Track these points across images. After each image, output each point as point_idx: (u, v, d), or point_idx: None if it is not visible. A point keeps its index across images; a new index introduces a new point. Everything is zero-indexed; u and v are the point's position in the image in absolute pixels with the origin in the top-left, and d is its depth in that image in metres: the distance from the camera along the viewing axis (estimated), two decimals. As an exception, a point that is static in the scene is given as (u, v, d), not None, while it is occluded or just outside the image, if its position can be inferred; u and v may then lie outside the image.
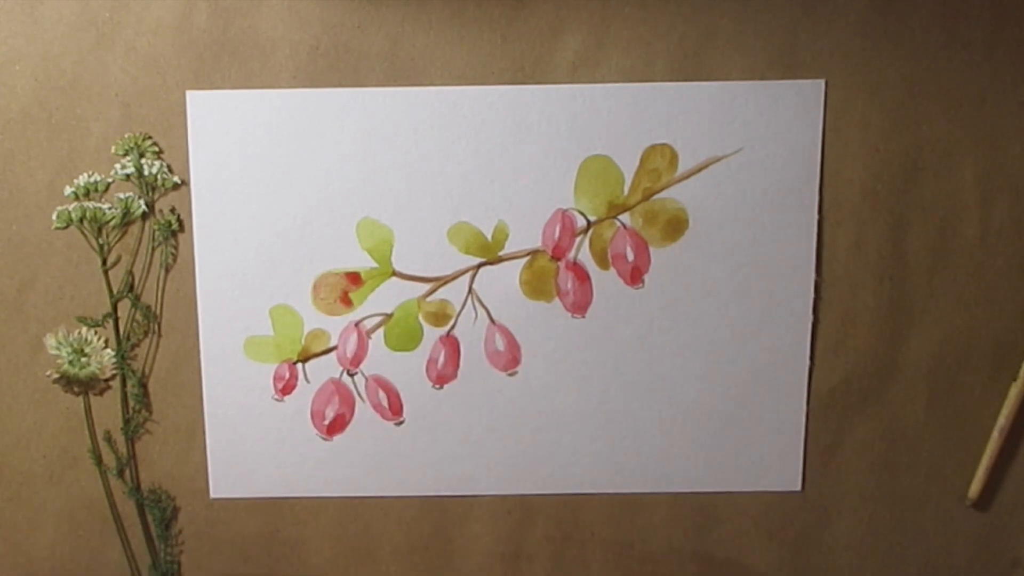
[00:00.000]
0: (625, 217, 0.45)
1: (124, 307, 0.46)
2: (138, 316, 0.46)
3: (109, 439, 0.47)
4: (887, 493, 0.48)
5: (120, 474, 0.47)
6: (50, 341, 0.46)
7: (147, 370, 0.46)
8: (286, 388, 0.46)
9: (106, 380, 0.46)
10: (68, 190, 0.45)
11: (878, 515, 0.48)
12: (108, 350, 0.46)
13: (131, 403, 0.46)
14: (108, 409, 0.47)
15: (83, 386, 0.46)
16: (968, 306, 0.47)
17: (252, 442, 0.47)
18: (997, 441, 0.47)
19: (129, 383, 0.46)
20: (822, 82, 0.45)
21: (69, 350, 0.46)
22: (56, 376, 0.46)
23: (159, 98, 0.45)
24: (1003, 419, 0.47)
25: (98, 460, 0.47)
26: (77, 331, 0.46)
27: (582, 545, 0.49)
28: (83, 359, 0.46)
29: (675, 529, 0.48)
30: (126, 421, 0.46)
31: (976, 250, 0.46)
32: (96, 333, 0.46)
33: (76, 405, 0.47)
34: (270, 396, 0.46)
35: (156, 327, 0.46)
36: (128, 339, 0.46)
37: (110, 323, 0.46)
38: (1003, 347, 0.47)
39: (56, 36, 0.44)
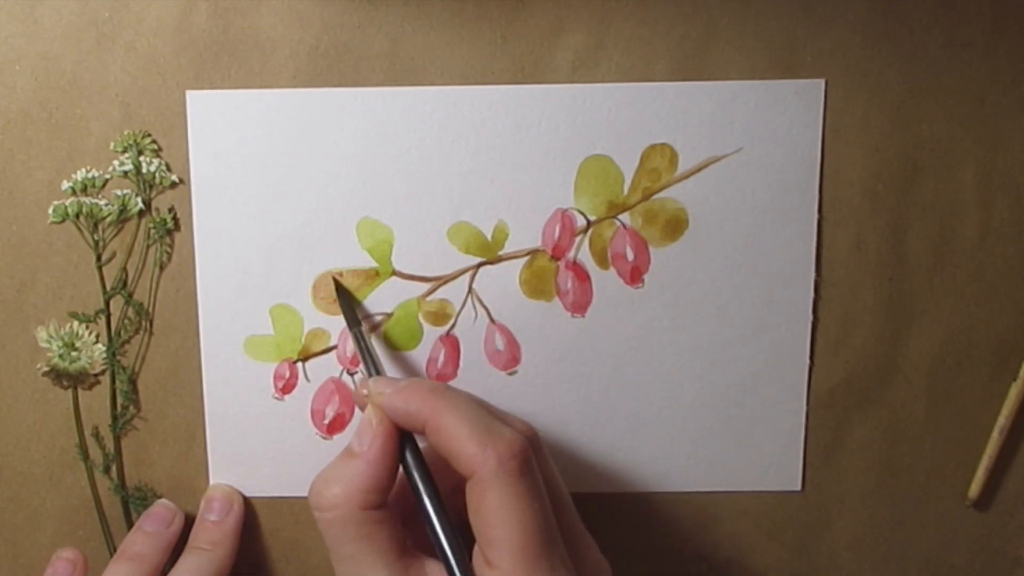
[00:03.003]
0: (625, 217, 0.45)
1: (118, 304, 0.46)
2: (130, 313, 0.46)
3: (97, 435, 0.47)
4: (887, 493, 0.48)
5: (107, 471, 0.47)
6: (41, 334, 0.46)
7: (137, 367, 0.46)
8: (286, 387, 0.46)
9: (95, 375, 0.46)
10: (65, 184, 0.45)
11: (878, 515, 0.48)
12: (99, 345, 0.46)
13: (119, 400, 0.46)
14: (102, 406, 0.47)
15: (72, 380, 0.46)
16: (968, 306, 0.47)
17: (252, 441, 0.47)
18: (997, 441, 0.47)
19: (118, 379, 0.46)
20: (822, 82, 0.45)
21: (60, 344, 0.46)
22: (46, 369, 0.46)
23: (159, 98, 0.45)
24: (1003, 419, 0.47)
25: (85, 456, 0.47)
26: (69, 325, 0.46)
27: (582, 545, 0.48)
28: (73, 353, 0.46)
29: (675, 529, 0.48)
30: (114, 418, 0.46)
31: (976, 250, 0.46)
32: (88, 328, 0.46)
33: (74, 404, 0.47)
34: (270, 395, 0.46)
35: (148, 324, 0.46)
36: (119, 335, 0.46)
37: (102, 319, 0.46)
38: (1003, 347, 0.47)
39: (56, 36, 0.44)
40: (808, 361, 0.47)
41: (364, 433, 0.39)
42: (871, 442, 0.48)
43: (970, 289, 0.47)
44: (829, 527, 0.49)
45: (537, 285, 0.46)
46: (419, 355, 0.46)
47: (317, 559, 0.48)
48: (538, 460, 0.39)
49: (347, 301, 0.45)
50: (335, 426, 0.47)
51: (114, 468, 0.47)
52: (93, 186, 0.45)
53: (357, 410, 0.47)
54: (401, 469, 0.40)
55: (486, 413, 0.39)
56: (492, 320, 0.46)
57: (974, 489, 0.48)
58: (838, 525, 0.49)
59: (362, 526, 0.38)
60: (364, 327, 0.45)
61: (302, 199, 0.45)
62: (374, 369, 0.43)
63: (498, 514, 0.36)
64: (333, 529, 0.38)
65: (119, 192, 0.45)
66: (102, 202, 0.45)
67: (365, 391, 0.41)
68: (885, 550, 0.49)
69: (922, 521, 0.49)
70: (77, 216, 0.45)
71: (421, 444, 0.40)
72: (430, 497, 0.39)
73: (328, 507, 0.38)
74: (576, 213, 0.45)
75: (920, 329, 0.47)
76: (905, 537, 0.49)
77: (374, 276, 0.46)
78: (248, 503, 0.48)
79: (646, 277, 0.46)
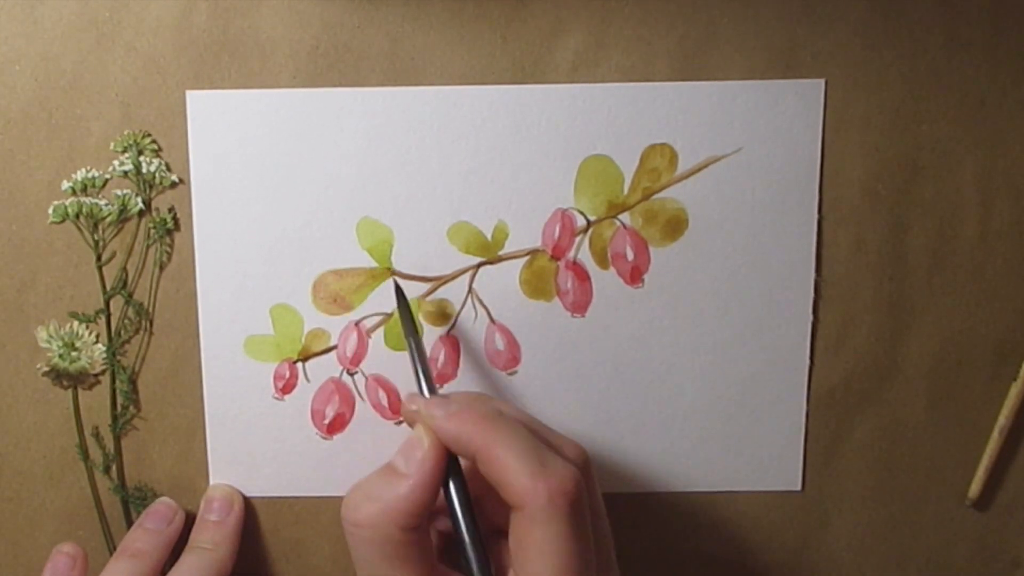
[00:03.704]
0: (625, 217, 0.45)
1: (118, 304, 0.46)
2: (130, 313, 0.46)
3: (97, 435, 0.47)
4: (887, 493, 0.48)
5: (107, 471, 0.47)
6: (41, 334, 0.46)
7: (137, 367, 0.46)
8: (286, 387, 0.46)
9: (95, 375, 0.46)
10: (65, 184, 0.45)
11: (878, 515, 0.48)
12: (99, 345, 0.46)
13: (120, 400, 0.46)
14: (102, 406, 0.47)
15: (72, 380, 0.46)
16: (968, 306, 0.47)
17: (252, 441, 0.47)
18: (997, 441, 0.47)
19: (118, 379, 0.46)
20: (822, 82, 0.45)
21: (60, 344, 0.46)
22: (46, 369, 0.46)
23: (159, 98, 0.45)
24: (1003, 419, 0.47)
25: (85, 456, 0.47)
26: (69, 325, 0.46)
27: (582, 545, 0.48)
28: (73, 353, 0.46)
29: (675, 529, 0.48)
30: (114, 418, 0.47)
31: (976, 250, 0.46)
32: (88, 328, 0.46)
33: (74, 404, 0.47)
34: (270, 395, 0.46)
35: (148, 324, 0.46)
36: (119, 335, 0.46)
37: (102, 319, 0.46)
38: (1003, 347, 0.47)
39: (56, 36, 0.44)
40: (808, 361, 0.47)
41: (412, 454, 0.38)
42: (871, 442, 0.48)
43: (970, 289, 0.47)
44: (829, 527, 0.49)
45: (537, 285, 0.46)
46: (419, 355, 0.46)
47: (317, 559, 0.48)
48: (588, 488, 0.38)
49: (406, 307, 0.44)
50: (335, 426, 0.47)
51: (114, 468, 0.47)
52: (93, 186, 0.45)
53: (358, 412, 0.47)
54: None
55: (539, 444, 0.37)
56: (492, 320, 0.46)
57: (974, 489, 0.48)
58: (838, 525, 0.49)
59: (398, 546, 0.37)
60: (421, 338, 0.43)
61: (302, 199, 0.45)
62: (426, 385, 0.41)
63: (541, 550, 0.35)
64: (367, 546, 0.38)
65: (119, 192, 0.45)
66: (102, 202, 0.45)
67: (415, 407, 0.40)
68: (885, 550, 0.49)
69: (922, 521, 0.49)
70: (77, 216, 0.45)
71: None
72: (468, 527, 0.38)
73: (366, 524, 0.37)
74: (576, 213, 0.45)
75: (920, 329, 0.47)
76: (905, 537, 0.49)
77: (374, 276, 0.46)
78: (248, 503, 0.48)
79: (646, 277, 0.46)
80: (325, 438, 0.47)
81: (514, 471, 0.36)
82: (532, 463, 0.36)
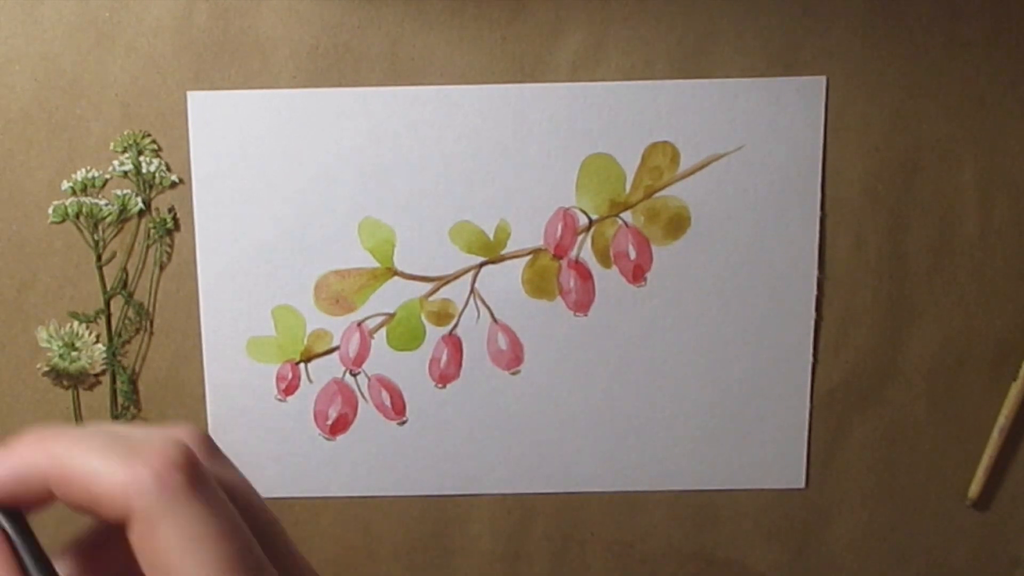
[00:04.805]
0: (627, 215, 0.45)
1: (118, 304, 0.46)
2: (130, 313, 0.46)
3: None
4: (887, 492, 0.48)
5: None
6: (41, 334, 0.46)
7: (137, 367, 0.46)
8: (289, 388, 0.46)
9: (96, 375, 0.46)
10: (65, 184, 0.45)
11: (878, 515, 0.49)
12: (99, 345, 0.46)
13: (120, 400, 0.46)
14: (102, 406, 0.46)
15: (72, 380, 0.46)
16: (968, 306, 0.47)
17: (255, 442, 0.47)
18: (997, 441, 0.47)
19: (119, 379, 0.46)
20: (823, 79, 0.45)
21: (60, 344, 0.46)
22: (46, 369, 0.46)
23: (159, 98, 0.44)
24: (1003, 419, 0.47)
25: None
26: (69, 325, 0.46)
27: (582, 545, 0.48)
28: (73, 353, 0.46)
29: (675, 529, 0.48)
30: (114, 418, 0.46)
31: (976, 250, 0.46)
32: (88, 328, 0.46)
33: (74, 404, 0.46)
34: (273, 396, 0.46)
35: (148, 325, 0.46)
36: (120, 336, 0.46)
37: (102, 319, 0.46)
38: (1003, 347, 0.47)
39: (56, 36, 0.44)
40: (811, 359, 0.47)
41: None
42: (871, 442, 0.48)
43: (970, 289, 0.47)
44: (829, 527, 0.49)
45: (539, 284, 0.46)
46: (422, 355, 0.46)
47: (317, 559, 0.48)
48: (218, 465, 0.29)
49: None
50: (338, 427, 0.47)
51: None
52: (93, 186, 0.45)
53: (361, 412, 0.46)
54: None
55: (121, 433, 0.27)
56: (495, 319, 0.46)
57: (974, 489, 0.48)
58: (838, 525, 0.49)
59: None
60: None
61: (303, 199, 0.45)
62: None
63: (180, 549, 0.25)
64: None
65: (119, 192, 0.45)
66: (102, 202, 0.45)
67: None
68: (885, 550, 0.49)
69: (922, 521, 0.49)
70: (77, 216, 0.45)
71: None
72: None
73: None
74: (578, 212, 0.45)
75: (920, 329, 0.47)
76: (905, 537, 0.49)
77: (376, 276, 0.46)
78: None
79: (648, 275, 0.46)
80: (328, 439, 0.47)
81: (100, 471, 0.26)
82: (118, 451, 0.26)
